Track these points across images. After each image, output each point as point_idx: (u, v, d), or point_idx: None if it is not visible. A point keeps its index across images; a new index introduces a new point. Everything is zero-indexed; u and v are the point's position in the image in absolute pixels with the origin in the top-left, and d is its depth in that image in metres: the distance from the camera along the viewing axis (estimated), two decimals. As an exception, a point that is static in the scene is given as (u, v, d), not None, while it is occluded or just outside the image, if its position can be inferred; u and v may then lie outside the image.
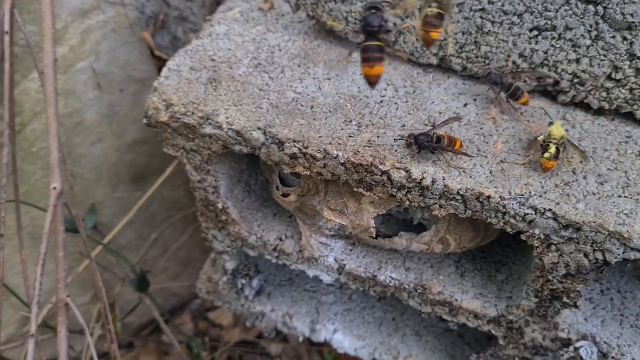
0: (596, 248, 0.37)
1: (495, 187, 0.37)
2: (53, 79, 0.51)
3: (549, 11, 0.39)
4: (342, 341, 0.58)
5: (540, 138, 0.38)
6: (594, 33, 0.39)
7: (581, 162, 0.38)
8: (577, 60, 0.40)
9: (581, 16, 0.38)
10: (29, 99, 0.60)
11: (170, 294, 0.91)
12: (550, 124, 0.39)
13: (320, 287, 0.60)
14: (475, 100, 0.43)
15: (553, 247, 0.38)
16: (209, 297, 0.62)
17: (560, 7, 0.38)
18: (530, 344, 0.46)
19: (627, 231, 0.35)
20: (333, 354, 0.88)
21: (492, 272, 0.47)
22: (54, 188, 0.51)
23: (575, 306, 0.41)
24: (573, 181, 0.38)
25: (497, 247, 0.49)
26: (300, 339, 0.60)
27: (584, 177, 0.38)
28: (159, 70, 0.71)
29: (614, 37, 0.38)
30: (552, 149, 0.37)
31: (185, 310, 0.93)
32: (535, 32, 0.40)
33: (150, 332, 0.88)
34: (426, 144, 0.37)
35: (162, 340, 0.86)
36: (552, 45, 0.40)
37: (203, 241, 0.59)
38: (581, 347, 0.43)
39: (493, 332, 0.47)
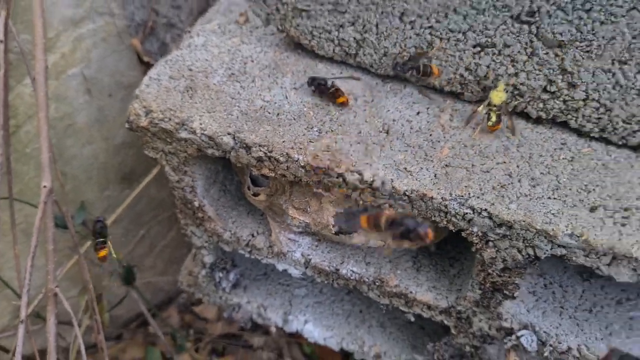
0: (527, 244, 0.41)
1: (439, 188, 0.41)
2: (44, 85, 0.56)
3: (489, 30, 0.43)
4: (312, 331, 0.62)
5: (481, 109, 0.44)
6: (529, 50, 0.43)
7: (511, 135, 0.44)
8: (516, 74, 0.44)
9: (517, 34, 0.42)
10: (23, 103, 0.64)
11: (158, 289, 0.95)
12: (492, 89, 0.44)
13: (293, 281, 0.64)
14: (427, 108, 0.48)
15: (490, 244, 0.42)
16: (190, 290, 0.66)
17: (498, 27, 0.42)
18: (478, 333, 0.50)
19: (553, 229, 0.39)
20: (311, 347, 0.92)
21: (446, 267, 0.52)
22: (44, 186, 0.55)
23: (514, 297, 0.45)
24: (509, 184, 0.42)
25: (452, 245, 0.53)
26: (274, 330, 0.64)
27: (519, 180, 0.42)
28: (145, 69, 0.76)
29: (547, 53, 0.42)
30: (494, 118, 0.44)
31: (172, 305, 0.97)
32: (478, 49, 0.44)
33: (138, 325, 0.92)
34: (322, 87, 0.47)
35: (149, 333, 0.90)
36: (494, 60, 0.44)
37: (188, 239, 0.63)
38: (522, 335, 0.48)
39: (445, 322, 0.51)
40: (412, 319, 0.54)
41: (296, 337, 0.87)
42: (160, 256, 0.91)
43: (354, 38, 0.48)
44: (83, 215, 0.75)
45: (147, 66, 0.76)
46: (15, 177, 0.66)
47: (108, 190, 0.78)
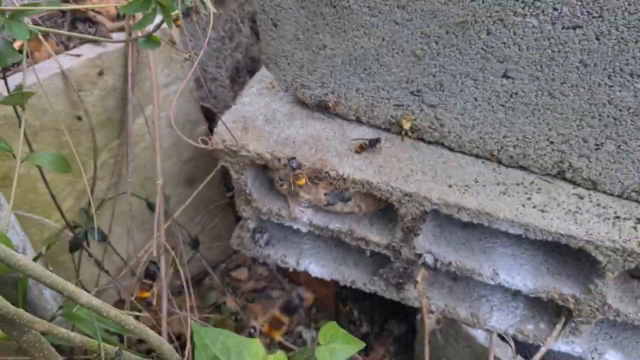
0: (419, 205, 0.82)
1: (376, 178, 0.83)
2: (158, 126, 0.97)
3: (400, 99, 0.84)
4: (314, 270, 1.03)
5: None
6: (420, 108, 0.84)
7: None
8: (414, 119, 0.86)
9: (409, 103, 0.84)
10: (136, 134, 1.06)
11: (207, 260, 1.36)
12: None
13: (302, 240, 1.06)
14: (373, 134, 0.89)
15: (403, 205, 0.83)
16: (238, 248, 1.07)
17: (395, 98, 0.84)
18: (405, 258, 0.91)
19: (429, 197, 0.80)
20: (314, 294, 1.33)
21: (385, 222, 0.93)
22: (159, 183, 0.96)
23: (419, 235, 0.86)
24: (411, 175, 0.83)
25: (387, 210, 0.94)
26: (290, 269, 1.05)
27: (416, 173, 0.83)
28: (204, 114, 1.17)
29: (422, 110, 0.84)
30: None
31: (215, 271, 1.38)
32: (395, 106, 0.86)
33: (195, 282, 1.33)
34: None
35: (202, 285, 1.31)
36: (403, 111, 0.86)
37: (227, 223, 1.04)
38: (426, 257, 0.89)
39: (387, 254, 0.92)
40: (369, 254, 0.95)
41: (301, 279, 1.28)
42: (209, 235, 1.32)
43: (333, 101, 0.89)
44: (168, 205, 1.16)
45: (203, 108, 1.18)
46: (125, 181, 1.07)
47: (178, 189, 1.20)
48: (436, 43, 0.75)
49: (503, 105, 0.77)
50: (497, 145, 0.82)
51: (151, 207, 1.11)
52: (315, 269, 1.03)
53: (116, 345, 0.70)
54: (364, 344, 0.87)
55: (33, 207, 0.97)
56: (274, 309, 1.31)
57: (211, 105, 1.19)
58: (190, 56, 0.83)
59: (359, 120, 0.91)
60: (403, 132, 0.85)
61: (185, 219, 1.23)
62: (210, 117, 1.21)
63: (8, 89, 0.79)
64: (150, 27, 0.64)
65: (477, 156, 0.85)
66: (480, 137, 0.82)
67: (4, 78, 0.80)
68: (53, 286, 0.52)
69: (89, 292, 0.62)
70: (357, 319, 1.28)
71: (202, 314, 1.25)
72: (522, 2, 0.66)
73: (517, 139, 0.80)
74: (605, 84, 0.69)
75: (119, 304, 1.16)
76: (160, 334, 0.85)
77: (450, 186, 0.81)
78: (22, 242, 0.93)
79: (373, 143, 0.85)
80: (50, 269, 0.57)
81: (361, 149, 0.85)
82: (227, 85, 1.29)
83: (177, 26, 0.73)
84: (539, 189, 0.81)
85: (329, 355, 0.85)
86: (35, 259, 0.70)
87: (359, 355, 1.13)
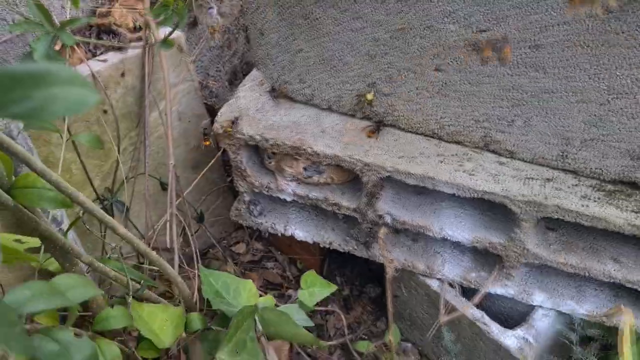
0: (377, 172, 1.04)
1: (343, 153, 1.05)
2: (169, 117, 1.20)
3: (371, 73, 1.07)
4: (299, 234, 1.25)
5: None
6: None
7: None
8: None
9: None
10: (151, 124, 1.28)
11: (207, 237, 1.58)
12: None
13: (289, 211, 1.28)
14: (342, 120, 1.11)
15: (364, 174, 1.05)
16: (236, 219, 1.29)
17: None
18: (370, 219, 1.13)
19: (383, 166, 1.02)
20: (302, 264, 1.54)
21: (355, 190, 1.15)
22: (171, 163, 1.18)
23: (379, 199, 1.08)
24: (370, 149, 1.05)
25: (355, 181, 1.16)
26: (279, 234, 1.27)
27: (376, 149, 1.05)
28: (207, 109, 1.40)
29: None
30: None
31: (214, 250, 1.59)
32: (368, 87, 1.08)
33: (200, 255, 1.55)
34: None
35: (206, 256, 1.53)
36: (377, 97, 1.08)
37: (227, 204, 1.26)
38: (386, 217, 1.10)
39: (355, 215, 1.14)
40: (342, 218, 1.17)
41: (294, 260, 1.50)
42: (212, 214, 1.54)
43: (309, 93, 1.12)
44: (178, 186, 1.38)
45: (206, 105, 1.41)
46: (142, 164, 1.29)
47: (186, 173, 1.42)
48: (384, 45, 0.97)
49: (438, 93, 0.99)
50: (437, 125, 1.04)
51: (164, 186, 1.33)
52: (300, 234, 1.25)
53: (139, 283, 0.93)
54: (336, 287, 1.09)
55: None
56: (268, 276, 1.53)
57: (213, 102, 1.42)
58: (194, 60, 1.05)
59: (330, 109, 1.13)
60: (366, 103, 1.07)
61: (192, 199, 1.45)
62: (212, 112, 1.44)
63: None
64: (165, 32, 0.87)
65: (422, 134, 1.07)
66: (424, 119, 1.04)
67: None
68: (106, 221, 0.74)
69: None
70: (339, 283, 1.50)
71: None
72: (443, 13, 0.89)
73: (451, 119, 1.02)
74: (509, 74, 0.91)
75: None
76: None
77: (400, 157, 1.03)
78: (60, 213, 1.16)
79: (377, 127, 1.07)
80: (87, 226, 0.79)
81: (372, 133, 1.07)
82: (226, 86, 1.52)
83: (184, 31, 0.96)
84: (470, 158, 1.03)
85: (308, 295, 1.08)
86: (70, 226, 0.91)
87: (340, 312, 1.36)
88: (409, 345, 1.39)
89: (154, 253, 0.87)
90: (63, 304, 0.58)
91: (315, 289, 1.09)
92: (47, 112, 0.36)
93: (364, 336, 1.41)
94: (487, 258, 1.15)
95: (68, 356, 0.56)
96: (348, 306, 1.46)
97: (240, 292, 1.00)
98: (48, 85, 0.37)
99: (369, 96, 1.06)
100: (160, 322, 0.95)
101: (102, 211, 0.74)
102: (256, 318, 0.93)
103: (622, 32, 0.80)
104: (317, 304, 1.35)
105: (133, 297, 0.89)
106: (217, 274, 1.00)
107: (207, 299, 0.99)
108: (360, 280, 1.51)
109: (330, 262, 1.53)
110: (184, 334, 0.95)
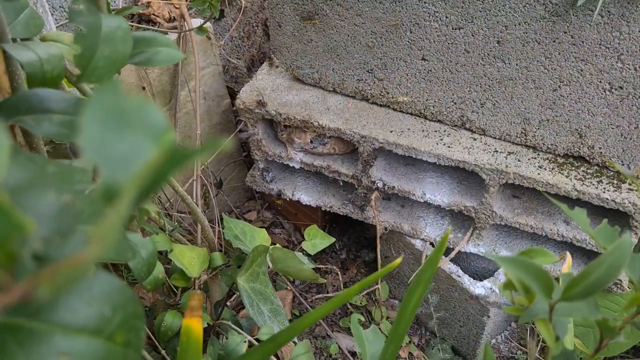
0: (371, 143, 1.25)
1: (345, 126, 1.26)
2: (198, 95, 1.42)
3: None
4: (304, 199, 1.46)
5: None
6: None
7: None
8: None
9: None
10: (181, 101, 1.50)
11: (224, 204, 1.80)
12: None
13: (296, 179, 1.49)
14: (345, 95, 1.32)
15: (360, 145, 1.26)
16: (251, 184, 1.51)
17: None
18: (364, 184, 1.34)
19: (377, 137, 1.23)
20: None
21: (352, 160, 1.36)
22: (198, 132, 1.40)
23: (372, 166, 1.29)
24: (367, 124, 1.26)
25: (353, 152, 1.37)
26: (287, 199, 1.49)
27: (372, 125, 1.26)
28: (229, 91, 1.62)
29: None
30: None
31: (231, 214, 1.81)
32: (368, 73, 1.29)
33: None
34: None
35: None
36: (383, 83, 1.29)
37: (242, 177, 1.48)
38: (378, 182, 1.31)
39: (352, 182, 1.35)
40: (341, 184, 1.38)
41: (300, 230, 1.72)
42: (227, 185, 1.76)
43: (317, 77, 1.33)
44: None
45: (228, 87, 1.63)
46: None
47: (208, 146, 1.64)
48: (380, 38, 1.18)
49: (424, 79, 1.20)
50: (423, 106, 1.25)
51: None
52: (305, 198, 1.46)
53: (173, 227, 1.14)
54: (334, 239, 1.30)
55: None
56: (276, 240, 1.74)
57: (233, 86, 1.64)
58: (220, 46, 1.27)
59: (334, 91, 1.35)
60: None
61: (212, 169, 1.67)
62: (233, 95, 1.65)
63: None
64: (201, 21, 1.09)
65: (410, 114, 1.29)
66: (412, 101, 1.26)
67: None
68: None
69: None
70: (338, 248, 1.71)
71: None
72: (428, 13, 1.10)
73: (434, 101, 1.23)
74: (481, 64, 1.12)
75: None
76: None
77: (391, 131, 1.24)
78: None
79: None
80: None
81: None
82: (244, 73, 1.74)
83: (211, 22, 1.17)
84: (449, 134, 1.24)
85: (311, 246, 1.29)
86: None
87: (338, 271, 1.57)
88: (397, 301, 1.61)
89: (188, 197, 1.08)
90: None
91: (316, 240, 1.30)
92: (154, 61, 0.58)
93: (357, 293, 1.62)
94: (463, 222, 1.36)
95: (137, 251, 0.77)
96: (345, 267, 1.67)
97: (255, 238, 1.22)
98: (154, 45, 0.58)
99: None
100: (189, 259, 1.16)
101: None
102: (267, 258, 1.14)
103: (567, 32, 1.00)
104: (318, 262, 1.56)
105: (169, 234, 1.10)
106: (236, 222, 1.22)
107: (226, 245, 1.20)
108: (356, 246, 1.73)
109: (330, 230, 1.74)
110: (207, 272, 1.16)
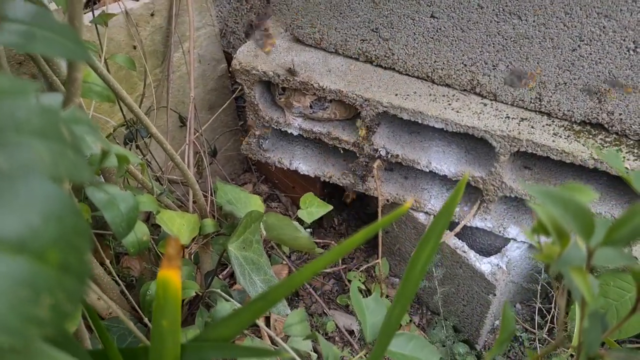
0: (374, 107, 1.17)
1: (347, 88, 1.18)
2: (193, 57, 1.33)
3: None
4: (302, 168, 1.39)
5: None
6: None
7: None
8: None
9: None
10: (174, 62, 1.42)
11: (219, 175, 1.72)
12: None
13: (294, 148, 1.41)
14: (350, 57, 1.24)
15: (363, 108, 1.18)
16: (247, 152, 1.43)
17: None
18: (367, 153, 1.27)
19: (381, 100, 1.15)
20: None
21: (353, 125, 1.28)
22: (192, 96, 1.32)
23: (375, 133, 1.22)
24: (370, 87, 1.18)
25: (355, 116, 1.29)
26: (285, 168, 1.41)
27: (370, 85, 1.19)
28: (226, 56, 1.54)
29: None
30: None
31: (227, 185, 1.73)
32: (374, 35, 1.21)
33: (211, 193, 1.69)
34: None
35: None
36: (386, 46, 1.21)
37: (237, 147, 1.40)
38: (381, 150, 1.24)
39: (354, 150, 1.27)
40: (342, 152, 1.31)
41: (294, 193, 1.64)
42: (222, 156, 1.68)
43: (319, 37, 1.25)
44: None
45: (224, 52, 1.54)
46: (164, 100, 1.43)
47: (202, 113, 1.56)
48: (387, -8, 1.10)
49: (432, 38, 1.12)
50: (430, 69, 1.17)
51: (183, 121, 1.47)
52: (303, 167, 1.39)
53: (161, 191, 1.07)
54: (332, 207, 1.22)
55: (100, 112, 1.33)
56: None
57: (230, 52, 1.55)
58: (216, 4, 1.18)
59: (336, 52, 1.27)
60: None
61: (206, 137, 1.59)
62: (229, 60, 1.57)
63: (94, 15, 1.15)
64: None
65: (417, 77, 1.21)
66: (419, 62, 1.18)
67: (92, 10, 1.16)
68: (141, 118, 0.88)
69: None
70: (336, 224, 1.64)
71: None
72: (439, -37, 1.02)
73: (443, 63, 1.15)
74: (495, 21, 1.04)
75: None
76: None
77: (396, 95, 1.17)
78: (91, 134, 1.30)
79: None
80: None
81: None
82: (242, 38, 1.65)
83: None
84: (458, 99, 1.16)
85: (307, 214, 1.21)
86: (115, 129, 1.06)
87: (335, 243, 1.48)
88: (397, 279, 1.54)
89: (178, 157, 1.00)
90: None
91: (313, 209, 1.23)
92: None
93: (355, 270, 1.56)
94: (470, 195, 1.29)
95: (115, 204, 0.70)
96: (343, 243, 1.60)
97: (249, 204, 1.14)
98: None
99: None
100: (178, 225, 1.09)
101: (140, 111, 0.88)
102: (262, 227, 1.07)
103: (591, -17, 0.92)
104: (316, 237, 1.49)
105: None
106: (230, 187, 1.14)
107: (219, 216, 1.13)
108: (355, 222, 1.65)
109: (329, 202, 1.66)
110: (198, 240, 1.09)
